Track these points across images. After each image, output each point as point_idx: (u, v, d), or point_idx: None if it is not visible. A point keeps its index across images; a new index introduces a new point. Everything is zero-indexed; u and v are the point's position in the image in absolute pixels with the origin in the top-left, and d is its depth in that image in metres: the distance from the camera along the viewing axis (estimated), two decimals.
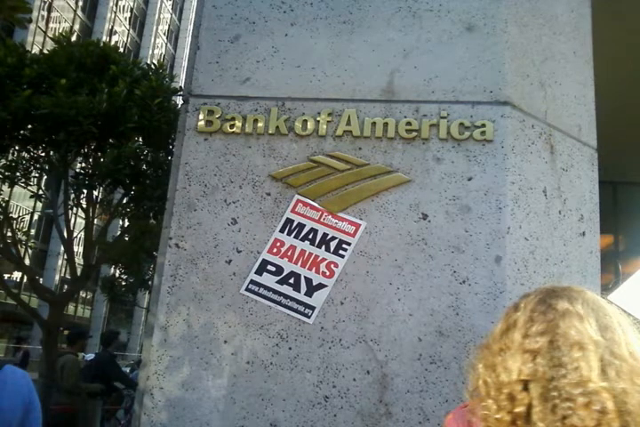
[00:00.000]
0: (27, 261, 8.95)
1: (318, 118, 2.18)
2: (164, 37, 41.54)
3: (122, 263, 12.54)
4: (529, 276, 2.05)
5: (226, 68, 2.27)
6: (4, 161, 6.55)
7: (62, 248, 15.66)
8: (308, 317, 2.02)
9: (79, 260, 7.47)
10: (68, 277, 20.18)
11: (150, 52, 36.77)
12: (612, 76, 3.45)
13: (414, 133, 2.13)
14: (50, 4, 28.48)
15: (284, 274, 2.07)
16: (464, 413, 1.09)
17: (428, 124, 2.13)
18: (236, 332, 2.03)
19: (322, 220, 2.10)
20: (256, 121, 2.20)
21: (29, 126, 6.03)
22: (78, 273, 7.23)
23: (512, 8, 2.26)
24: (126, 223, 8.56)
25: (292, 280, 2.06)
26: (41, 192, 7.92)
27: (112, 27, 33.73)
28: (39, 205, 23.19)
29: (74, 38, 7.63)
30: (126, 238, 9.38)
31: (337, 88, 2.20)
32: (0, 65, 5.79)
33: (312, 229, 2.10)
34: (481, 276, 2.00)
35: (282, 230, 2.10)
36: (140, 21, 38.11)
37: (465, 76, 2.17)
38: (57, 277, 28.01)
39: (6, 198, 8.06)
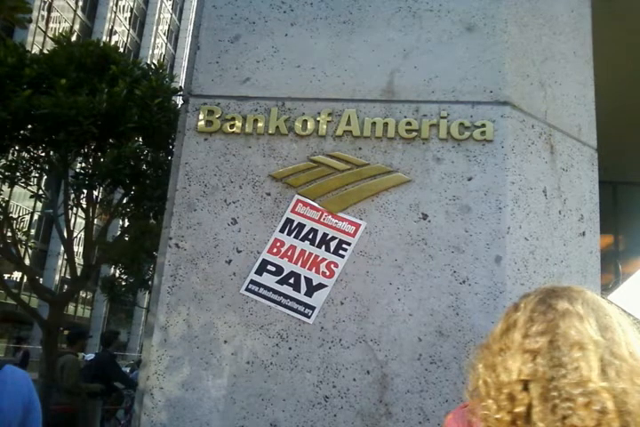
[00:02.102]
0: (27, 261, 8.95)
1: (318, 118, 2.18)
2: (164, 37, 41.54)
3: (122, 263, 12.56)
4: (529, 276, 2.05)
5: (226, 68, 2.27)
6: (3, 161, 6.55)
7: (62, 248, 15.67)
8: (308, 317, 2.02)
9: (79, 260, 7.47)
10: (68, 277, 20.18)
11: (150, 52, 36.77)
12: (611, 76, 3.45)
13: (414, 133, 2.13)
14: (50, 4, 28.48)
15: (284, 274, 2.07)
16: (464, 413, 1.09)
17: (428, 124, 2.13)
18: (236, 332, 2.03)
19: (322, 220, 2.10)
20: (256, 121, 2.20)
21: (29, 126, 6.03)
22: (78, 273, 7.24)
23: (512, 8, 2.26)
24: (126, 223, 8.56)
25: (292, 280, 2.06)
26: (41, 192, 7.92)
27: (112, 27, 33.73)
28: (39, 205, 23.19)
29: (74, 38, 7.63)
30: (126, 238, 9.39)
31: (337, 88, 2.20)
32: (0, 65, 5.79)
33: (312, 229, 2.10)
34: (481, 276, 2.00)
35: (282, 230, 2.10)
36: (140, 21, 38.11)
37: (465, 76, 2.17)
38: (57, 277, 28.01)
39: (6, 198, 8.06)
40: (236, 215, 2.13)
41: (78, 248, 10.08)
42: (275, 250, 2.09)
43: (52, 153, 6.62)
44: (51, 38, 7.56)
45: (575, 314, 1.00)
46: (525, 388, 0.97)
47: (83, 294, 29.89)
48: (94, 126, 5.75)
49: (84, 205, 7.19)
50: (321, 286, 2.04)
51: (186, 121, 2.24)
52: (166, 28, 41.95)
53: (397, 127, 2.14)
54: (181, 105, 2.34)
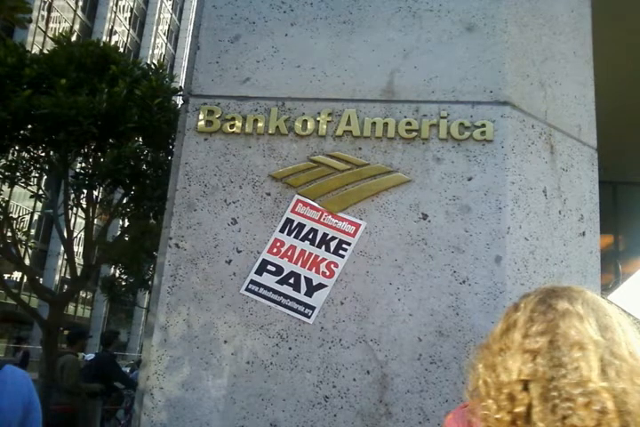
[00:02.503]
0: (27, 261, 8.95)
1: (318, 118, 2.18)
2: (164, 37, 41.54)
3: (122, 263, 12.57)
4: (529, 276, 2.05)
5: (226, 68, 2.27)
6: (3, 161, 6.56)
7: (62, 248, 15.67)
8: (308, 317, 2.02)
9: (79, 260, 7.48)
10: (68, 277, 20.18)
11: (150, 52, 36.78)
12: (611, 76, 3.45)
13: (414, 133, 2.13)
14: (50, 4, 28.49)
15: (284, 274, 2.07)
16: (464, 413, 1.09)
17: (428, 124, 2.13)
18: (236, 332, 2.03)
19: (322, 220, 2.10)
20: (256, 121, 2.20)
21: (29, 126, 6.04)
22: (78, 273, 7.24)
23: (512, 8, 2.26)
24: (126, 223, 8.57)
25: (292, 280, 2.06)
26: (41, 192, 7.93)
27: (112, 27, 33.74)
28: (39, 205, 23.20)
29: (74, 38, 7.64)
30: (126, 238, 9.39)
31: (337, 88, 2.20)
32: (0, 65, 5.79)
33: (312, 229, 2.09)
34: (481, 276, 1.99)
35: (282, 230, 2.10)
36: (140, 21, 38.11)
37: (465, 76, 2.17)
38: (57, 277, 28.02)
39: (6, 198, 8.07)
40: (236, 215, 2.13)
41: (78, 248, 10.09)
42: (275, 250, 2.09)
43: (52, 153, 6.63)
44: (51, 38, 7.56)
45: (575, 314, 1.00)
46: (525, 388, 0.97)
47: (83, 294, 29.90)
48: (94, 126, 5.75)
49: (84, 205, 7.20)
50: (321, 285, 2.04)
51: (186, 121, 2.24)
52: (166, 28, 41.95)
53: (397, 127, 2.14)
54: (181, 105, 2.33)
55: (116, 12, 34.16)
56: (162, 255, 2.14)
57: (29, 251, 11.92)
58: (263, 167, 2.16)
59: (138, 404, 2.04)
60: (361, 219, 2.08)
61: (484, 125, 2.10)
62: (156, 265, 2.35)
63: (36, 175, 7.00)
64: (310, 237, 2.09)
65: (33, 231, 22.67)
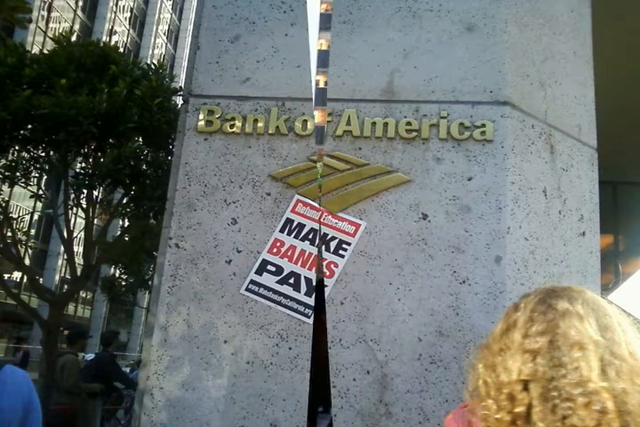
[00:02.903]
0: (27, 261, 8.96)
1: None
2: (164, 37, 41.52)
3: (122, 263, 12.57)
4: (529, 276, 2.05)
5: (226, 68, 2.27)
6: (3, 161, 6.56)
7: (62, 248, 15.67)
8: (308, 317, 2.02)
9: (79, 260, 7.48)
10: (68, 277, 20.17)
11: (150, 52, 36.75)
12: (611, 76, 3.45)
13: (414, 133, 2.13)
14: (50, 4, 28.48)
15: (284, 274, 2.07)
16: (464, 413, 1.09)
17: (428, 124, 2.13)
18: (236, 332, 2.03)
19: (322, 220, 2.10)
20: (256, 121, 2.20)
21: (29, 126, 6.04)
22: (78, 273, 7.24)
23: (512, 8, 2.26)
24: (126, 223, 8.57)
25: (292, 280, 2.06)
26: (41, 192, 7.93)
27: (112, 27, 33.72)
28: (39, 205, 23.18)
29: (74, 38, 7.64)
30: (126, 238, 9.40)
31: (337, 88, 2.20)
32: (0, 65, 5.80)
33: (312, 229, 2.09)
34: (481, 276, 1.99)
35: (282, 230, 2.10)
36: (140, 21, 38.10)
37: (465, 76, 2.17)
38: (57, 277, 28.00)
39: (6, 198, 8.07)
40: (236, 215, 2.13)
41: (78, 248, 10.09)
42: (275, 250, 2.09)
43: (52, 153, 6.63)
44: (51, 38, 7.57)
45: (575, 314, 1.00)
46: (525, 388, 0.97)
47: (83, 294, 29.88)
48: (94, 126, 5.76)
49: (84, 205, 7.20)
50: None
51: (186, 121, 2.24)
52: (166, 28, 41.93)
53: (397, 127, 2.14)
54: (181, 105, 2.34)
55: (115, 12, 34.14)
56: (162, 255, 2.14)
57: (29, 251, 11.92)
58: (263, 167, 2.16)
59: (138, 404, 2.04)
60: (361, 219, 2.08)
61: (484, 125, 2.10)
62: (156, 265, 2.35)
63: (36, 175, 7.01)
64: (310, 237, 2.09)
65: (33, 231, 22.66)
